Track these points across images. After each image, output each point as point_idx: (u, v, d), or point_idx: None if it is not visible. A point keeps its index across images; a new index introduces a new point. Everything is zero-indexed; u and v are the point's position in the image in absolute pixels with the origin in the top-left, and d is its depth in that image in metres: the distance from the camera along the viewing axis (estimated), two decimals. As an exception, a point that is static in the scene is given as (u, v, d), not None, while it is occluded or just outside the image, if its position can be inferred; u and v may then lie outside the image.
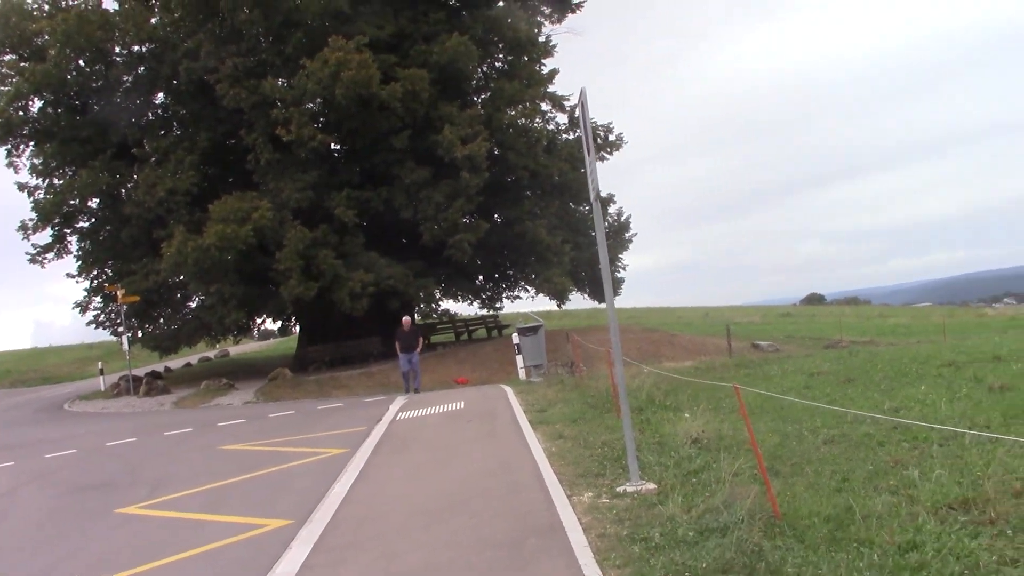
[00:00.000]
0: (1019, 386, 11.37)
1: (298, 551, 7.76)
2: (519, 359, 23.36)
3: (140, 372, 32.72)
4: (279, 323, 41.15)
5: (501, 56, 33.85)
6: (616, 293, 35.82)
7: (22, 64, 30.90)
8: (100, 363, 36.10)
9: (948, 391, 11.92)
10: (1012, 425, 9.15)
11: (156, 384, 30.36)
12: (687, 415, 11.66)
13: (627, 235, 35.44)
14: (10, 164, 32.46)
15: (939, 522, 6.16)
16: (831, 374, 15.85)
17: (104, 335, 37.30)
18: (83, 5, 32.14)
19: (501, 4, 32.35)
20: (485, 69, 34.24)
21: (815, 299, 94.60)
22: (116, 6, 32.22)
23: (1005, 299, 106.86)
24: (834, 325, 40.94)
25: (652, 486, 8.44)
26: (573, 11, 34.97)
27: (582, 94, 8.64)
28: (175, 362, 41.97)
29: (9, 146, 31.99)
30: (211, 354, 47.32)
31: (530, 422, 13.84)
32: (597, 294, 35.03)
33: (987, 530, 5.89)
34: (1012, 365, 13.33)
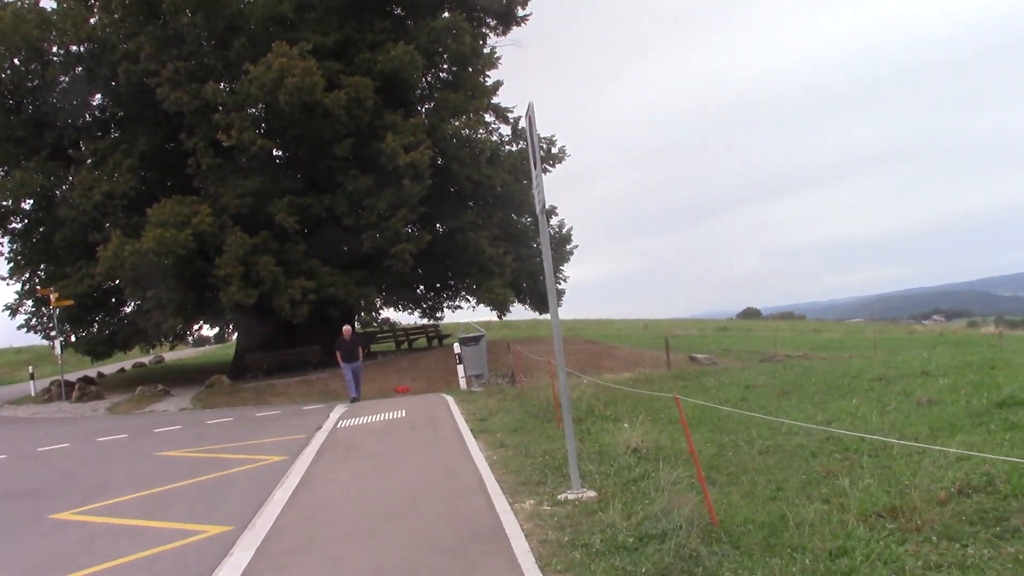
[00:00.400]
0: (945, 400, 11.75)
1: (240, 556, 7.76)
2: (460, 368, 23.42)
3: (72, 377, 32.07)
4: (216, 329, 40.70)
5: (446, 67, 33.91)
6: (558, 304, 36.08)
7: (-45, 61, 30.20)
8: (31, 367, 35.32)
9: (878, 404, 12.27)
10: (938, 437, 9.47)
11: (89, 389, 29.77)
12: (626, 425, 11.84)
13: (568, 247, 35.69)
14: (-62, 162, 31.65)
15: (868, 529, 6.39)
16: (766, 387, 16.19)
17: (34, 339, 36.56)
18: (19, 3, 31.52)
19: (447, 15, 32.40)
20: (430, 79, 34.31)
21: (751, 313, 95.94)
22: (54, 5, 31.68)
23: (934, 316, 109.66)
24: (770, 339, 41.64)
25: (592, 494, 8.59)
26: (518, 24, 35.18)
27: (529, 108, 8.78)
28: (109, 367, 41.13)
29: (-61, 145, 31.17)
30: (146, 360, 46.45)
31: (472, 431, 13.92)
32: (538, 305, 35.22)
33: (913, 537, 6.13)
34: (939, 380, 13.75)
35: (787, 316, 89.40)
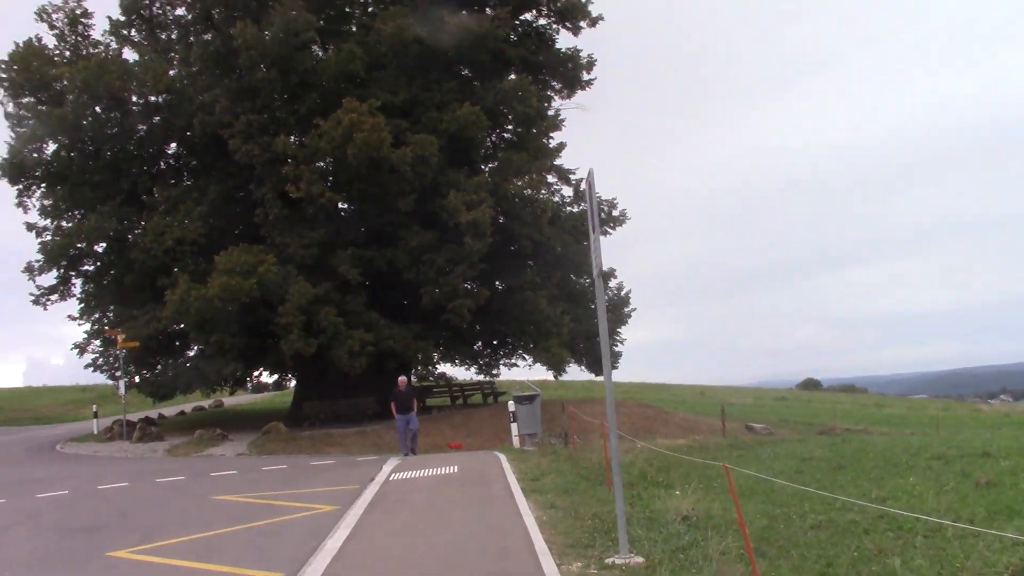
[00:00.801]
0: (1005, 482, 11.53)
1: (290, 604, 7.87)
2: (514, 427, 23.44)
3: (134, 418, 32.74)
4: (275, 377, 41.22)
5: (510, 127, 34.41)
6: (613, 367, 35.90)
7: (40, 107, 31.48)
8: (95, 406, 36.11)
9: (936, 484, 12.07)
10: (995, 520, 9.31)
11: (149, 430, 30.39)
12: (678, 492, 11.79)
13: (626, 310, 35.64)
14: (20, 204, 32.77)
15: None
16: (822, 460, 15.98)
17: (98, 378, 37.37)
18: (103, 54, 32.88)
19: (513, 77, 32.97)
20: (494, 139, 34.83)
21: (811, 384, 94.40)
22: (136, 56, 32.96)
23: (1001, 396, 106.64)
24: (829, 412, 40.98)
25: (640, 560, 8.58)
26: (583, 87, 35.65)
27: (589, 175, 8.97)
28: (169, 409, 41.88)
29: (21, 186, 32.35)
30: (205, 403, 47.19)
31: (523, 490, 13.94)
32: (594, 366, 35.16)
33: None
34: (1000, 462, 13.49)
35: (848, 389, 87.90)
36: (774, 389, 75.17)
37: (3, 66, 31.55)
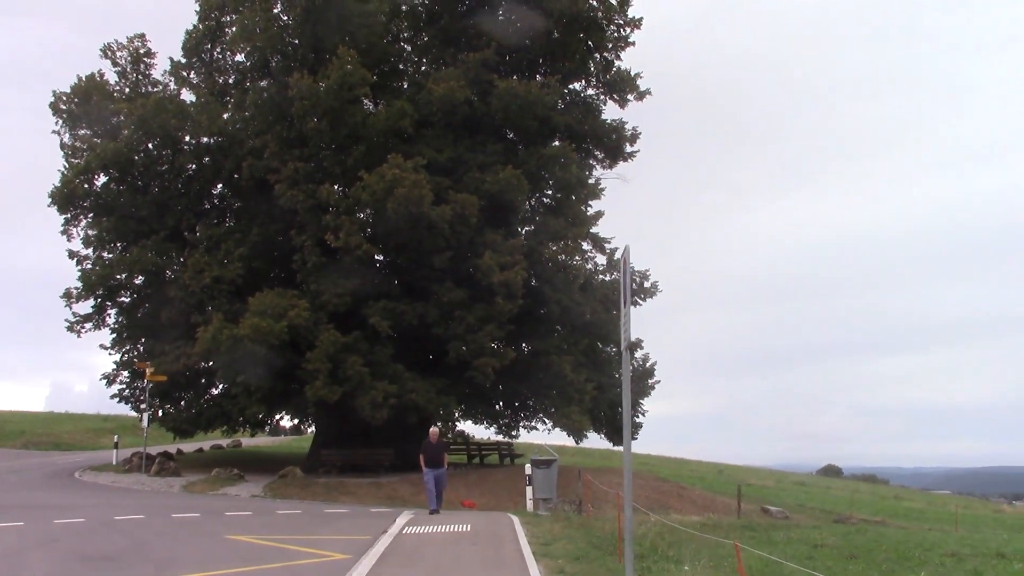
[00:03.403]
0: (1016, 585, 11.49)
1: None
2: (529, 490, 23.43)
3: (153, 451, 33.02)
4: (295, 421, 41.41)
5: (550, 192, 34.85)
6: (634, 437, 35.85)
7: (95, 140, 32.40)
8: (116, 437, 36.45)
9: (947, 581, 12.04)
10: (1003, 622, 9.31)
11: (168, 465, 30.62)
12: (687, 568, 11.83)
13: (650, 381, 35.62)
14: (65, 232, 33.44)
15: None
16: (836, 548, 15.92)
17: (121, 408, 37.69)
18: (162, 93, 33.85)
19: (557, 144, 33.50)
20: (533, 203, 35.26)
21: (832, 471, 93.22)
22: (192, 98, 33.88)
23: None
24: (847, 500, 40.51)
25: (645, 632, 8.65)
26: (625, 159, 36.11)
27: (625, 251, 9.25)
28: (188, 446, 42.15)
29: (68, 215, 33.09)
30: (224, 443, 47.42)
31: (534, 553, 14.01)
32: (613, 436, 35.08)
33: None
34: (1014, 564, 13.41)
35: (869, 478, 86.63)
36: (794, 473, 74.25)
37: (64, 98, 32.60)
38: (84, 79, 32.81)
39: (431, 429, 21.52)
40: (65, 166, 32.77)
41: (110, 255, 33.29)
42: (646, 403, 35.90)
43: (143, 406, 32.05)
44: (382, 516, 20.35)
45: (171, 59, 34.75)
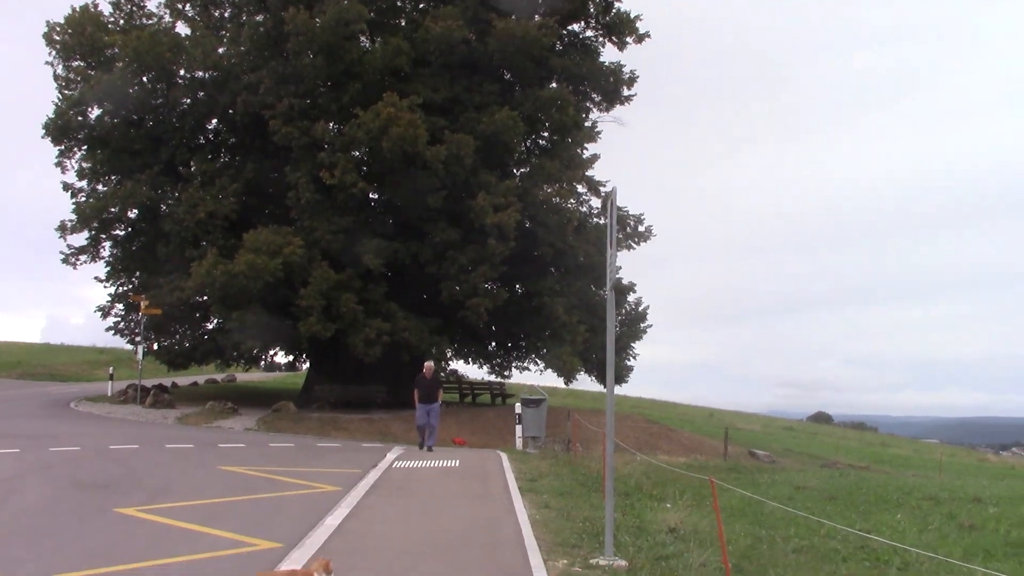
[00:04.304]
0: (988, 527, 11.79)
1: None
2: (518, 428, 23.76)
3: (148, 383, 33.28)
4: (290, 358, 41.66)
5: (546, 135, 34.70)
6: (624, 380, 36.16)
7: (89, 72, 32.07)
8: (111, 368, 36.73)
9: (921, 522, 12.35)
10: (971, 560, 9.58)
11: (163, 397, 30.91)
12: (669, 505, 12.12)
13: (642, 325, 35.78)
14: (59, 164, 33.20)
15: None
16: (817, 490, 16.25)
17: (116, 341, 37.90)
18: (157, 25, 33.50)
19: (554, 86, 33.27)
20: (528, 144, 35.11)
21: (822, 418, 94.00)
22: (188, 31, 33.54)
23: (1014, 448, 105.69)
24: (834, 446, 41.04)
25: (623, 563, 8.92)
26: (623, 102, 35.86)
27: (612, 192, 9.33)
28: (183, 379, 42.48)
29: (63, 147, 32.91)
30: (219, 377, 47.73)
31: (519, 488, 14.30)
32: (604, 378, 35.30)
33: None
34: (988, 508, 13.73)
35: (858, 426, 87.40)
36: (784, 419, 74.95)
37: (58, 29, 32.18)
38: (78, 10, 32.33)
39: (425, 363, 21.51)
40: (59, 98, 32.46)
41: (104, 188, 33.13)
42: (638, 347, 36.09)
43: (138, 339, 32.22)
44: (373, 451, 20.67)
45: (166, -10, 34.30)
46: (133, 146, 31.91)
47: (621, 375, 34.79)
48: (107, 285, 34.08)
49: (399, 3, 34.78)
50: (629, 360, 35.77)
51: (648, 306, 35.73)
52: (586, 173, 34.45)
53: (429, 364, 21.49)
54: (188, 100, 32.76)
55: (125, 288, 34.03)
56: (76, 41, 32.13)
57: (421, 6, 34.38)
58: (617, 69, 35.09)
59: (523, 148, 34.37)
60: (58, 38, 32.25)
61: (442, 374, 38.11)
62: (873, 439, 60.25)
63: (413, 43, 30.73)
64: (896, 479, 20.67)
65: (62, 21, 32.25)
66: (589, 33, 35.99)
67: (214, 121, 34.03)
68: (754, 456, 29.67)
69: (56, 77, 32.93)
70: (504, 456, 19.82)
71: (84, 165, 33.22)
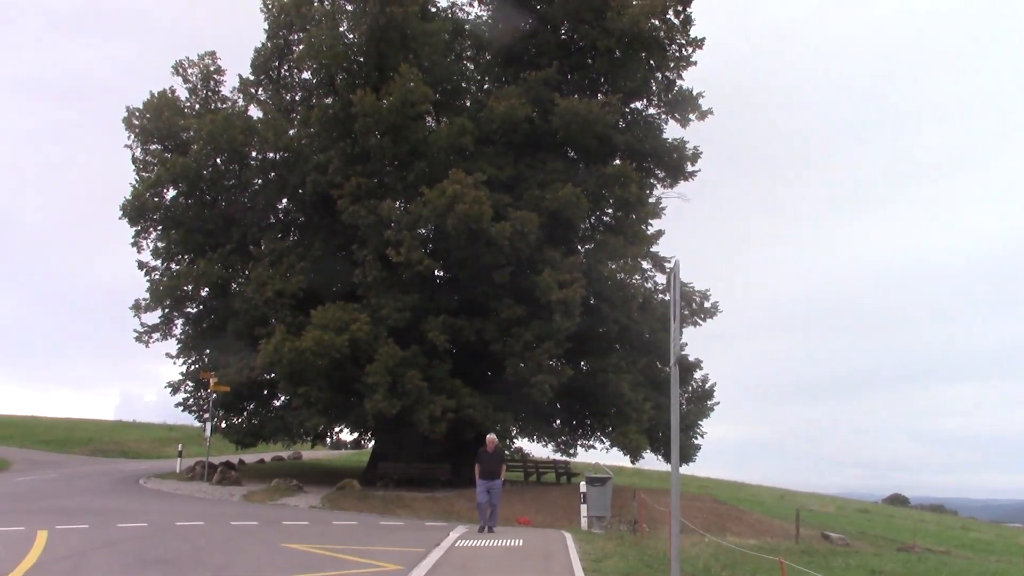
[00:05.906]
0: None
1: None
2: (583, 508, 23.35)
3: (215, 460, 33.58)
4: (355, 435, 41.78)
5: (610, 211, 34.85)
6: (691, 459, 35.47)
7: (165, 155, 33.23)
8: (179, 445, 37.16)
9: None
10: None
11: (229, 474, 31.14)
12: (740, 589, 11.71)
13: (709, 403, 35.25)
14: (135, 244, 34.24)
15: None
16: (894, 575, 15.61)
17: (186, 418, 38.48)
18: (230, 109, 34.64)
19: (617, 163, 33.50)
20: (593, 221, 35.27)
21: (898, 500, 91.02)
22: (260, 114, 34.60)
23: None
24: (912, 529, 39.55)
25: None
26: (686, 178, 35.92)
27: (675, 265, 9.25)
28: (250, 456, 42.80)
29: (139, 227, 33.89)
30: (285, 454, 48.04)
31: (584, 569, 13.99)
32: (670, 457, 34.69)
33: None
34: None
35: (937, 508, 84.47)
36: (858, 500, 72.78)
37: (137, 113, 33.51)
38: (156, 95, 33.70)
39: (488, 436, 20.68)
40: (136, 180, 33.59)
41: (178, 267, 34.00)
42: (705, 424, 35.48)
43: (206, 416, 32.64)
44: (436, 529, 20.46)
45: (240, 76, 35.54)
46: (206, 226, 32.80)
47: (687, 454, 34.19)
48: (177, 362, 34.77)
49: (463, 84, 35.56)
50: (696, 438, 35.14)
51: (715, 383, 35.28)
52: (650, 249, 34.40)
53: (492, 437, 20.67)
54: (259, 180, 33.76)
55: (195, 366, 34.61)
56: (154, 125, 33.42)
57: (485, 87, 35.09)
58: (680, 145, 35.26)
59: (587, 224, 34.57)
60: (137, 123, 33.59)
61: (506, 452, 37.84)
62: (953, 522, 58.05)
63: (477, 122, 31.33)
64: (978, 564, 19.81)
65: (140, 106, 33.54)
66: (652, 110, 36.44)
67: (284, 200, 34.89)
68: (827, 539, 28.72)
69: (134, 160, 34.19)
70: (568, 536, 19.47)
71: (159, 244, 34.19)
